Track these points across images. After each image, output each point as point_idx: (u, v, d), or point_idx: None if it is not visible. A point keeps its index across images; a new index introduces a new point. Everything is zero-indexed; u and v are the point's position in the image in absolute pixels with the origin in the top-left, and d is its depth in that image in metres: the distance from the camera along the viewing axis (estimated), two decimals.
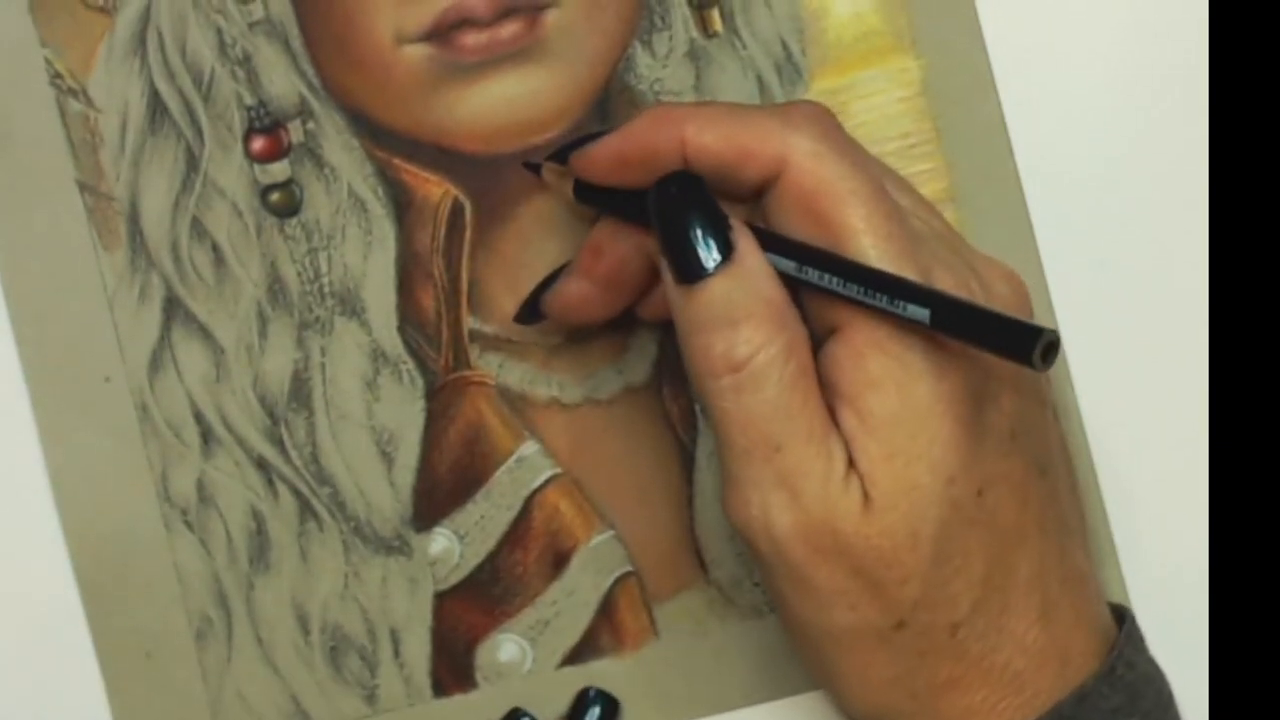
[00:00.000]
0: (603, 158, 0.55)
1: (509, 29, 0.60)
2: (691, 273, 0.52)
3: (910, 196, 0.55)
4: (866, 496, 0.51)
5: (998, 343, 0.50)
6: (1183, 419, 0.60)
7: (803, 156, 0.52)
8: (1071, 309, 0.60)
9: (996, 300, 0.53)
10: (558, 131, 0.60)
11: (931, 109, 0.60)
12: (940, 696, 0.52)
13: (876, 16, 0.60)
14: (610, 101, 0.60)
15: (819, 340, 0.53)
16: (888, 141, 0.60)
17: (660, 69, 0.60)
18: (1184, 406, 0.60)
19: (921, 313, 0.50)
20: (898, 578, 0.51)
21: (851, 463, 0.52)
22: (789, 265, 0.52)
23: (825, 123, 0.53)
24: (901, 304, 0.50)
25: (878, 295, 0.51)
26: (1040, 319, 0.59)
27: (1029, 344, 0.49)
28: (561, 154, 0.57)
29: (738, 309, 0.52)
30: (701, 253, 0.52)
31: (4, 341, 0.60)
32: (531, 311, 0.59)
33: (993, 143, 0.60)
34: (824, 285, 0.52)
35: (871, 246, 0.51)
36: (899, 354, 0.51)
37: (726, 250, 0.52)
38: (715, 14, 0.60)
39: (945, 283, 0.52)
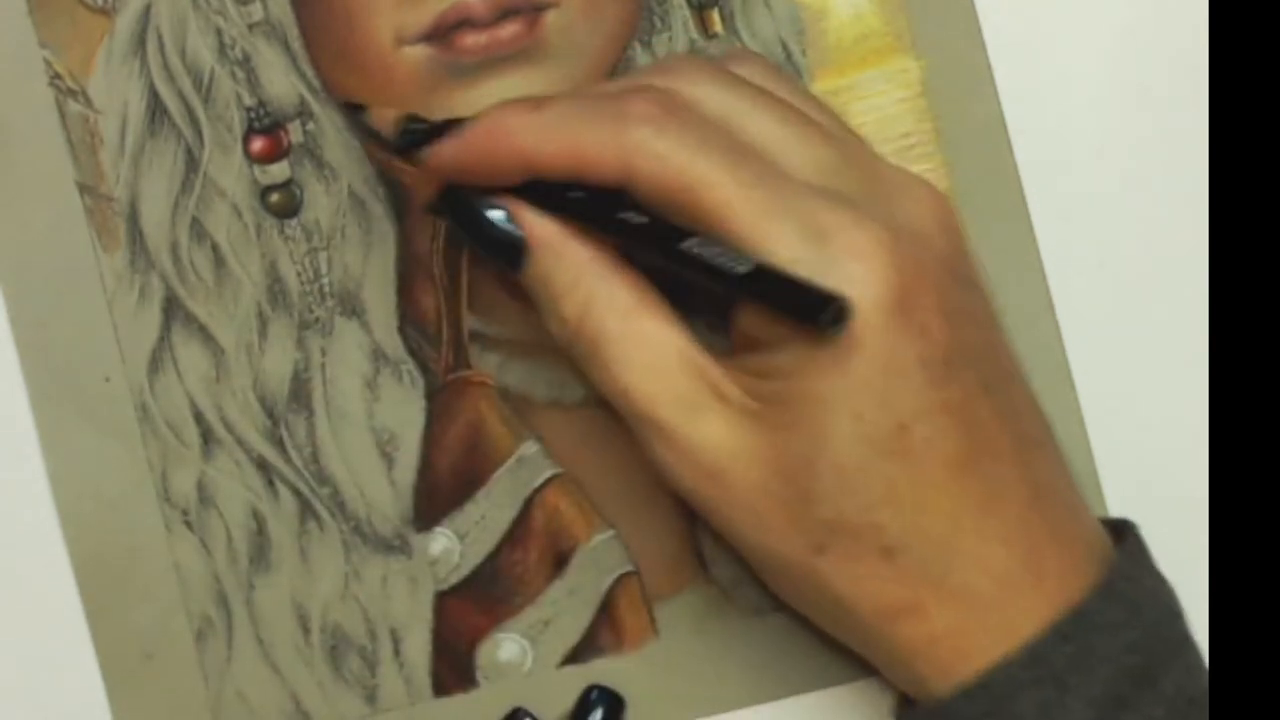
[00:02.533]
0: (443, 162, 0.55)
1: (508, 30, 0.60)
2: (512, 265, 0.54)
3: (811, 135, 0.53)
4: (762, 420, 0.52)
5: (794, 309, 0.50)
6: (1183, 419, 0.60)
7: (643, 159, 0.52)
8: (1071, 309, 0.60)
9: (905, 227, 0.52)
10: None
11: (931, 109, 0.60)
12: (894, 624, 0.52)
13: (876, 17, 0.60)
14: None
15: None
16: (888, 141, 0.60)
17: None
18: (1184, 406, 0.60)
19: (739, 267, 0.51)
20: (799, 496, 0.51)
21: (743, 387, 0.52)
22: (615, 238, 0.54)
23: (660, 116, 0.52)
24: (712, 280, 0.51)
25: (694, 270, 0.51)
26: (1040, 319, 0.59)
27: (816, 309, 0.49)
28: (405, 146, 0.57)
29: (551, 283, 0.54)
30: (504, 247, 0.54)
31: (4, 342, 0.60)
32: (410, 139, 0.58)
33: (993, 143, 0.60)
34: (654, 254, 0.53)
35: (738, 220, 0.51)
36: None
37: (520, 242, 0.54)
38: (715, 15, 0.60)
39: (835, 221, 0.51)
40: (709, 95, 0.53)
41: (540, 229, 0.54)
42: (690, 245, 0.52)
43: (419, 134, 0.56)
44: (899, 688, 0.54)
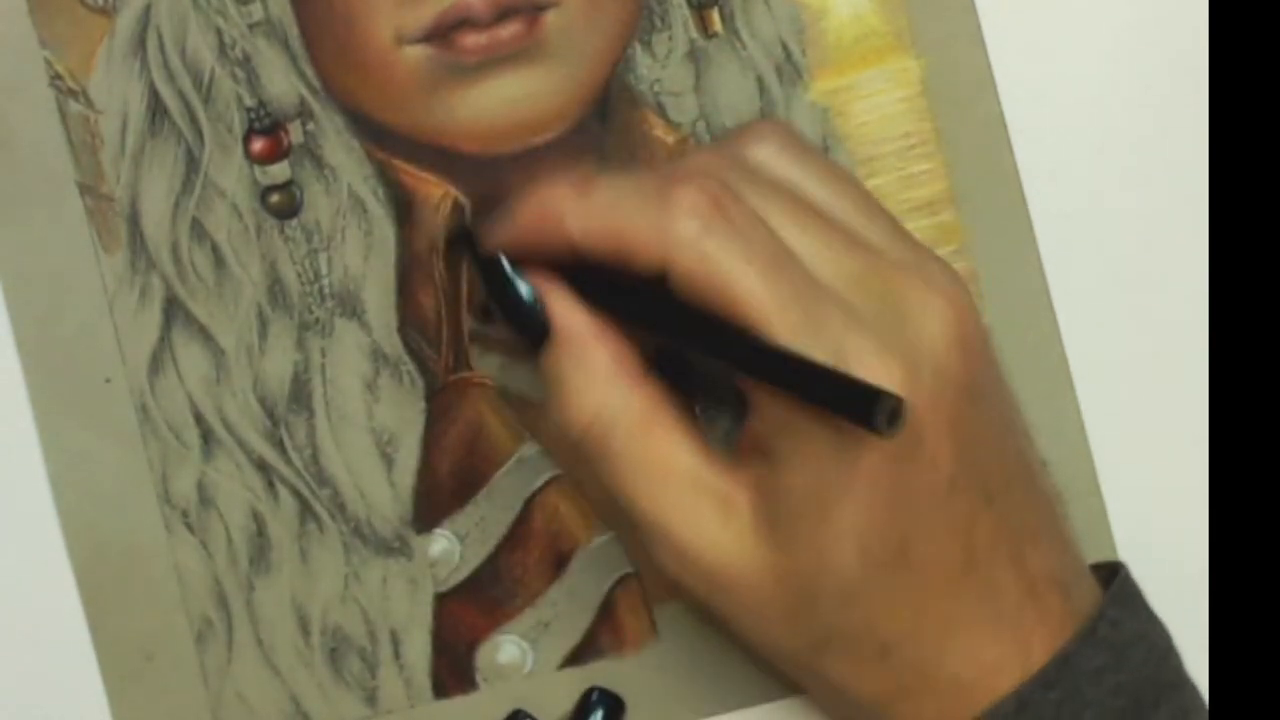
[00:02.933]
0: (493, 244, 0.56)
1: (509, 30, 0.60)
2: (535, 344, 0.55)
3: (839, 229, 0.53)
4: (768, 538, 0.52)
5: (842, 406, 0.50)
6: (1183, 419, 0.60)
7: (684, 254, 0.52)
8: (1071, 309, 0.60)
9: (923, 358, 0.52)
10: (557, 132, 0.60)
11: (931, 109, 0.60)
12: (890, 706, 0.53)
13: (876, 17, 0.60)
14: (610, 102, 0.60)
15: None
16: (888, 141, 0.60)
17: (660, 69, 0.60)
18: (1184, 406, 0.59)
19: (787, 389, 0.51)
20: (802, 607, 0.53)
21: (750, 503, 0.53)
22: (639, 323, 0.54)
23: (707, 210, 0.52)
24: (748, 372, 0.52)
25: (728, 360, 0.52)
26: (1041, 319, 0.59)
27: (870, 410, 0.49)
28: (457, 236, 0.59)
29: (565, 381, 0.54)
30: (531, 328, 0.54)
31: (4, 342, 0.60)
32: (487, 311, 0.60)
33: (993, 143, 0.60)
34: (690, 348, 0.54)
35: (770, 331, 0.51)
36: (809, 435, 0.51)
37: (543, 321, 0.54)
38: (715, 14, 0.60)
39: (858, 348, 0.51)
40: (751, 190, 0.53)
41: (566, 321, 0.54)
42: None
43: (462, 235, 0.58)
44: None
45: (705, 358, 0.56)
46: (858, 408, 0.49)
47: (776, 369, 0.51)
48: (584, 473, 0.59)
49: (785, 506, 0.52)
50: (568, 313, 0.54)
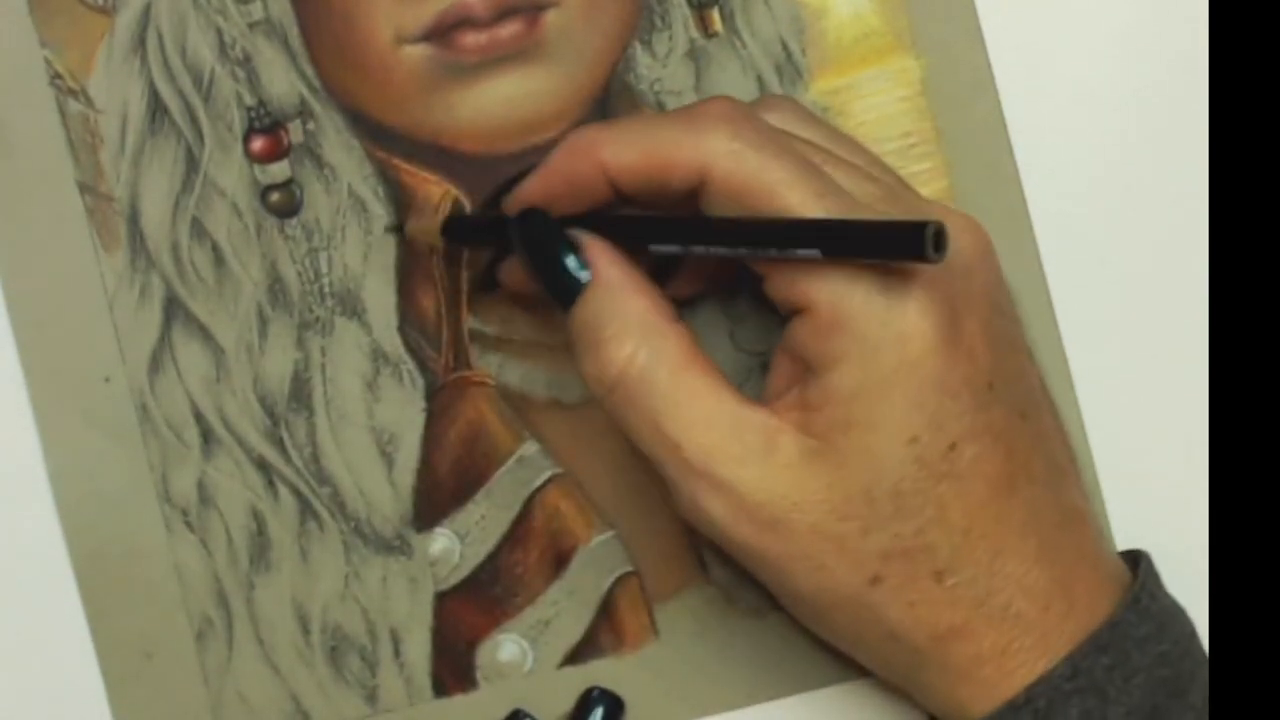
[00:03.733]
0: (531, 197, 0.56)
1: (508, 29, 0.60)
2: (564, 302, 0.55)
3: (857, 170, 0.54)
4: (817, 459, 0.52)
5: (889, 249, 0.50)
6: (1183, 419, 0.60)
7: (721, 158, 0.53)
8: (1071, 309, 0.60)
9: (953, 257, 0.53)
10: (557, 131, 0.60)
11: (931, 109, 0.60)
12: (945, 646, 0.53)
13: (876, 16, 0.60)
14: (610, 101, 0.60)
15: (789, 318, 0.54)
16: (888, 141, 0.60)
17: (660, 69, 0.60)
18: (1184, 406, 0.60)
19: (811, 251, 0.51)
20: (857, 530, 0.52)
21: (797, 427, 0.53)
22: (674, 248, 0.54)
23: (737, 119, 0.53)
24: (790, 250, 0.52)
25: (768, 249, 0.52)
26: (1041, 318, 0.59)
27: (918, 241, 0.49)
28: (492, 198, 0.58)
29: (602, 328, 0.54)
30: (564, 282, 0.54)
31: (4, 342, 0.60)
32: (488, 282, 0.59)
33: (993, 143, 0.60)
34: (718, 253, 0.53)
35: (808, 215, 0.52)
36: (860, 328, 0.52)
37: (582, 275, 0.54)
38: (715, 14, 0.60)
39: None
40: (773, 125, 0.54)
41: (607, 271, 0.54)
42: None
43: (461, 219, 0.58)
44: (936, 711, 0.55)
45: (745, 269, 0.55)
46: (904, 244, 0.50)
47: (817, 235, 0.51)
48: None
49: (833, 417, 0.52)
50: (608, 263, 0.54)
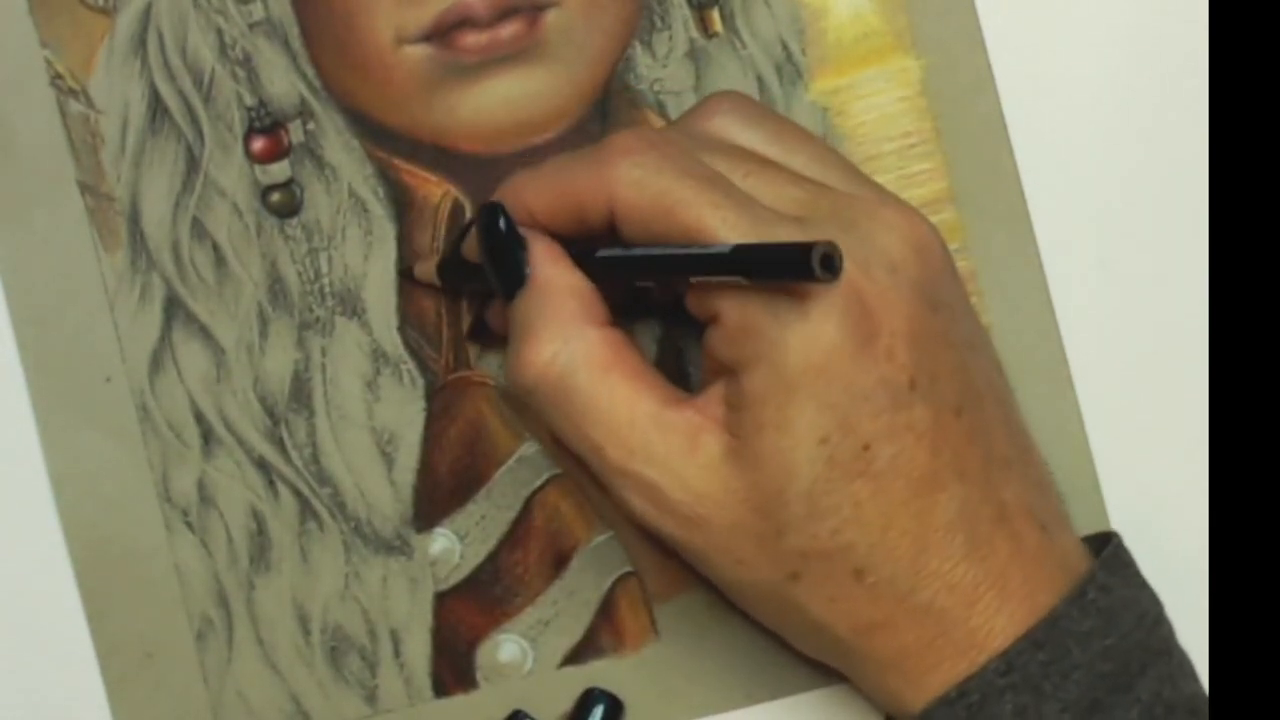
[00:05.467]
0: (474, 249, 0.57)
1: (509, 29, 0.60)
2: (506, 296, 0.56)
3: (777, 170, 0.55)
4: (735, 459, 0.53)
5: (782, 271, 0.51)
6: (1183, 419, 0.60)
7: (623, 189, 0.54)
8: (1071, 309, 0.60)
9: (875, 256, 0.53)
10: (557, 131, 0.60)
11: (931, 109, 0.60)
12: (868, 639, 0.53)
13: (876, 16, 0.60)
14: (610, 101, 0.60)
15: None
16: (888, 141, 0.60)
17: (660, 69, 0.60)
18: (1184, 406, 0.60)
19: (724, 249, 0.52)
20: (773, 531, 0.53)
21: (721, 426, 0.54)
22: (617, 251, 0.55)
23: (638, 149, 0.54)
24: (706, 276, 0.53)
25: (686, 275, 0.53)
26: (1041, 318, 0.59)
27: (805, 263, 0.50)
28: (461, 235, 0.59)
29: (529, 327, 0.55)
30: (507, 277, 0.55)
31: (4, 342, 0.60)
32: (481, 330, 0.60)
33: (993, 143, 0.60)
34: (653, 281, 0.55)
35: (715, 237, 0.53)
36: (766, 334, 0.52)
37: (522, 272, 0.55)
38: (715, 14, 0.60)
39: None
40: (692, 145, 0.55)
41: (545, 271, 0.55)
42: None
43: (454, 260, 0.59)
44: (875, 701, 0.55)
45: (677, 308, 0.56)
46: (794, 266, 0.50)
47: (716, 263, 0.52)
48: (538, 429, 0.60)
49: (749, 418, 0.53)
50: (548, 264, 0.55)
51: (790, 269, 0.51)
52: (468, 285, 0.59)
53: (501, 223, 0.55)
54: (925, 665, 0.53)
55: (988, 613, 0.53)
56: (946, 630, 0.53)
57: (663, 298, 0.59)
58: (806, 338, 0.52)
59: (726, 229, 0.52)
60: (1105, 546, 0.55)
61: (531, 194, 0.55)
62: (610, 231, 0.55)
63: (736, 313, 0.53)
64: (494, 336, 0.60)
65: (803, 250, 0.50)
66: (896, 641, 0.53)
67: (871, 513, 0.53)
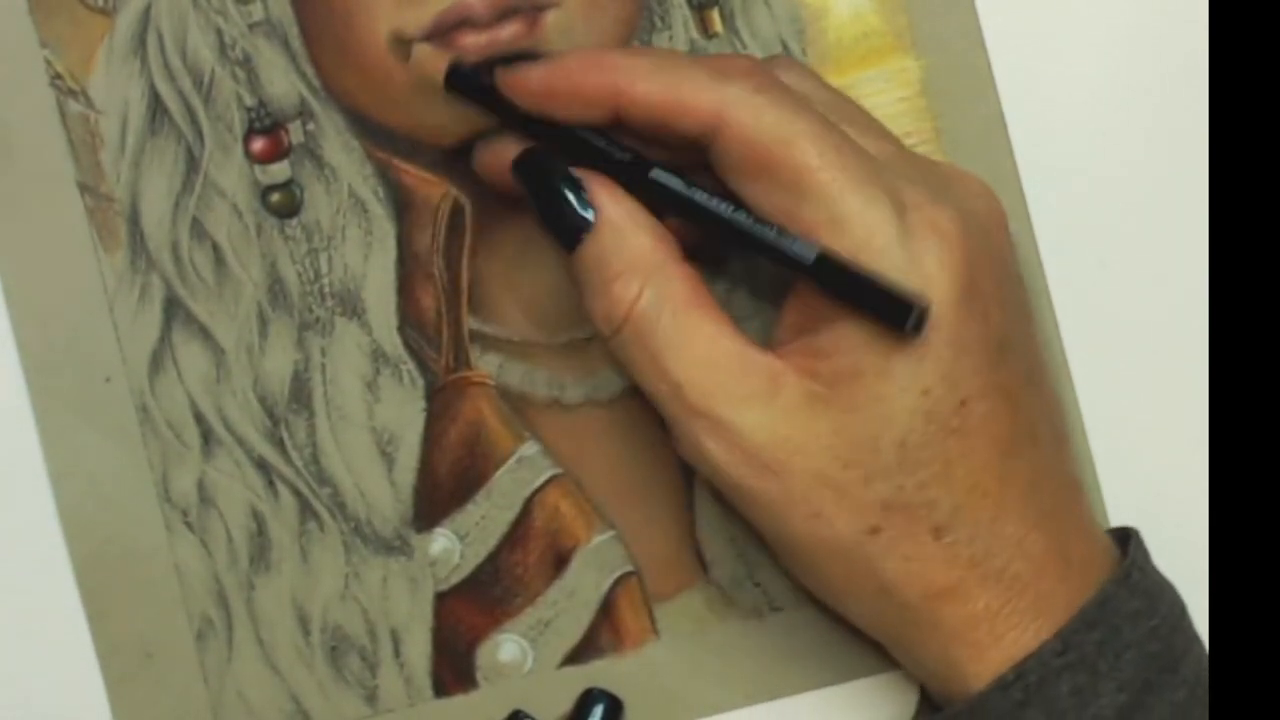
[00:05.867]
0: (530, 86, 0.55)
1: (509, 30, 0.60)
2: (568, 242, 0.54)
3: (870, 131, 0.55)
4: (822, 404, 0.52)
5: (874, 308, 0.51)
6: (1183, 418, 0.60)
7: (740, 109, 0.52)
8: (1071, 309, 0.60)
9: (971, 216, 0.53)
10: None
11: (931, 109, 0.60)
12: (938, 605, 0.53)
13: (876, 16, 0.60)
14: None
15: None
16: None
17: None
18: (1184, 406, 0.60)
19: (808, 252, 0.52)
20: (859, 478, 0.52)
21: (803, 373, 0.53)
22: (678, 183, 0.54)
23: (760, 74, 0.53)
24: (789, 240, 0.52)
25: (767, 227, 0.52)
26: (1040, 318, 0.59)
27: (903, 314, 0.50)
28: (486, 66, 0.57)
29: (608, 268, 0.53)
30: (568, 222, 0.54)
31: (4, 342, 0.60)
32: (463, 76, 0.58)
33: (993, 143, 0.60)
34: (714, 210, 0.53)
35: (830, 180, 0.52)
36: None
37: (588, 214, 0.54)
38: (715, 14, 0.60)
39: (914, 197, 0.52)
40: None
41: (612, 209, 0.54)
42: (748, 221, 0.53)
43: (470, 71, 0.57)
44: (925, 679, 0.55)
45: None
46: (888, 311, 0.51)
47: (814, 264, 0.52)
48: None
49: (843, 364, 0.52)
50: (612, 202, 0.54)
51: (886, 312, 0.51)
52: (474, 99, 0.57)
53: (549, 167, 0.54)
54: (993, 635, 0.53)
55: (1052, 581, 0.53)
56: (1015, 598, 0.53)
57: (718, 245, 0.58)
58: (921, 287, 0.52)
59: (843, 171, 0.52)
60: (1125, 539, 0.56)
61: (629, 77, 0.53)
62: (683, 148, 0.54)
63: (848, 254, 0.52)
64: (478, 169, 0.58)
65: (904, 304, 0.50)
66: (966, 609, 0.53)
67: (960, 470, 0.52)
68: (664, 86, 0.53)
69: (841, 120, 0.54)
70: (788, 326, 0.54)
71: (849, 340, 0.52)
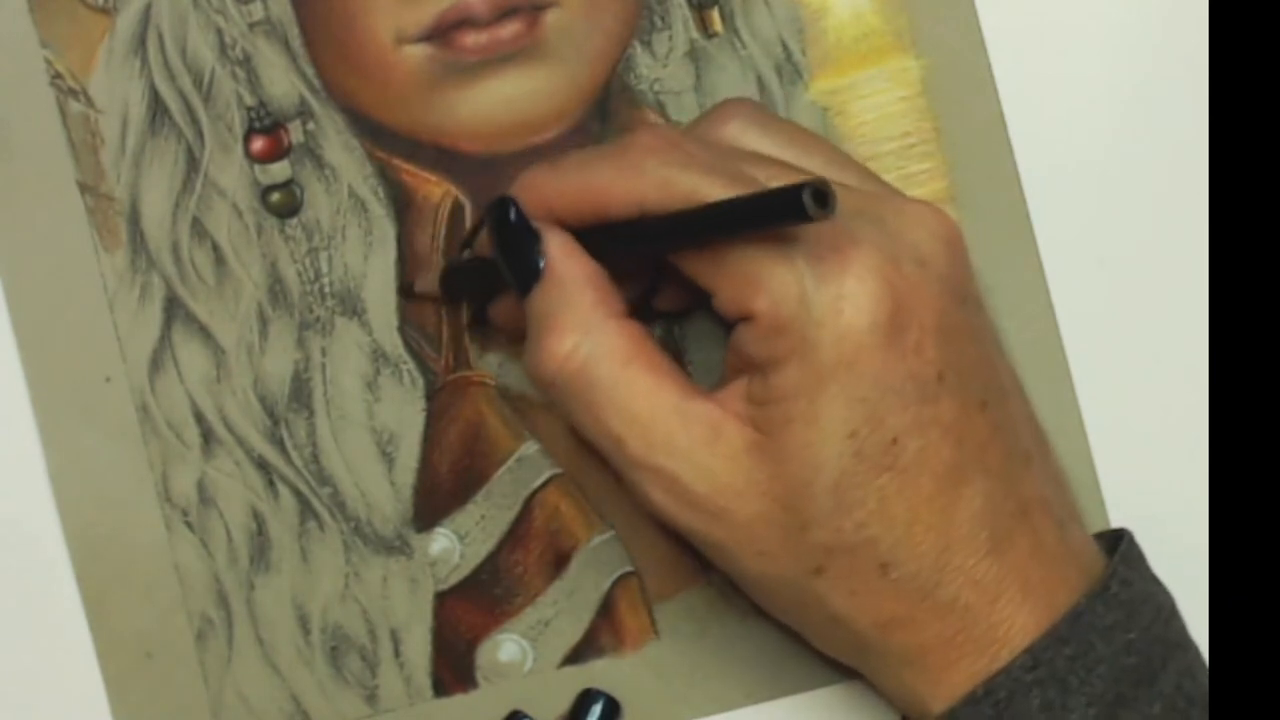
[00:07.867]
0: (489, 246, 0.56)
1: (509, 29, 0.60)
2: (521, 288, 0.55)
3: (834, 163, 0.55)
4: (759, 452, 0.53)
5: (776, 215, 0.51)
6: (1183, 418, 0.60)
7: (652, 191, 0.53)
8: (1071, 309, 0.60)
9: (907, 248, 0.53)
10: (557, 131, 0.60)
11: (931, 109, 0.60)
12: (887, 634, 0.53)
13: (876, 16, 0.60)
14: (610, 101, 0.60)
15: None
16: (887, 141, 0.60)
17: (660, 69, 0.60)
18: (1184, 406, 0.60)
19: (716, 234, 0.53)
20: (797, 525, 0.53)
21: (743, 420, 0.53)
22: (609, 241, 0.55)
23: (662, 148, 0.54)
24: (695, 240, 0.53)
25: (687, 242, 0.53)
26: (1041, 318, 0.59)
27: (797, 201, 0.50)
28: (467, 241, 0.59)
29: (551, 315, 0.55)
30: (523, 271, 0.55)
31: (4, 341, 0.60)
32: (481, 324, 0.60)
33: (993, 143, 0.60)
34: (649, 251, 0.55)
35: (740, 241, 0.52)
36: (798, 330, 0.52)
37: (537, 265, 0.55)
38: (715, 14, 0.60)
39: (836, 240, 0.52)
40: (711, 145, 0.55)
41: (559, 265, 0.55)
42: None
43: (457, 266, 0.59)
44: (892, 701, 0.55)
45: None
46: (788, 209, 0.50)
47: (708, 219, 0.52)
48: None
49: (777, 412, 0.53)
50: (563, 255, 0.55)
51: (785, 210, 0.50)
52: (470, 293, 0.59)
53: (513, 214, 0.55)
54: (946, 661, 0.53)
55: (1009, 609, 0.53)
56: (968, 626, 0.53)
57: (673, 304, 0.59)
58: (840, 332, 0.52)
59: (754, 235, 0.52)
60: (1117, 543, 0.55)
61: (552, 190, 0.55)
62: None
63: (769, 311, 0.52)
64: (494, 332, 0.60)
65: (793, 189, 0.50)
66: (918, 637, 0.53)
67: (897, 507, 0.53)
68: (583, 191, 0.54)
69: (777, 169, 0.54)
70: (729, 375, 0.55)
71: (780, 388, 0.53)
